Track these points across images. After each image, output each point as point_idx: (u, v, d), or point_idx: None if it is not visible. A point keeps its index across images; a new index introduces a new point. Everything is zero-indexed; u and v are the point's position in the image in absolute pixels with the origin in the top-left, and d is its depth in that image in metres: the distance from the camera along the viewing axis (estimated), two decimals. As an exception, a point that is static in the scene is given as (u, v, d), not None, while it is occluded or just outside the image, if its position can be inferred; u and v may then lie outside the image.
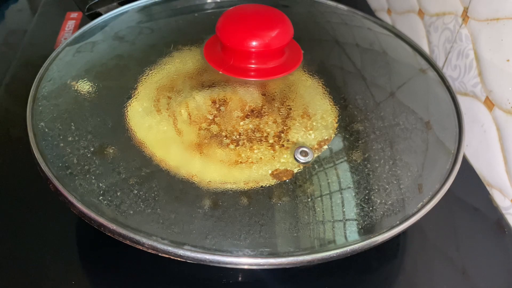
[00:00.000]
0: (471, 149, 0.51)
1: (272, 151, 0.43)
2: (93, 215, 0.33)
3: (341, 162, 0.43)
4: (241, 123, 0.45)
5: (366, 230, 0.37)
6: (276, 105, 0.48)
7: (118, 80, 0.51)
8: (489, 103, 0.47)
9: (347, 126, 0.47)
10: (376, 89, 0.52)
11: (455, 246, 0.42)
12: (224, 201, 0.39)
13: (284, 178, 0.40)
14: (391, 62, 0.54)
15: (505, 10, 0.44)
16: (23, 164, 0.46)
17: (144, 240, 0.32)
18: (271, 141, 0.44)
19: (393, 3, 0.68)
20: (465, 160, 0.51)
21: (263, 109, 0.47)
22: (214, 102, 0.46)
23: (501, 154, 0.46)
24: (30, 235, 0.41)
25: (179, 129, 0.45)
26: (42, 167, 0.37)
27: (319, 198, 0.40)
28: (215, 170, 0.41)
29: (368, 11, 0.76)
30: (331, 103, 0.49)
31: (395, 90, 0.53)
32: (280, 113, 0.47)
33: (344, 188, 0.41)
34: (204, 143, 0.43)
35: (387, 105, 0.50)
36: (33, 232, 0.41)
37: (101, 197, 0.36)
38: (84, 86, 0.49)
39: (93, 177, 0.40)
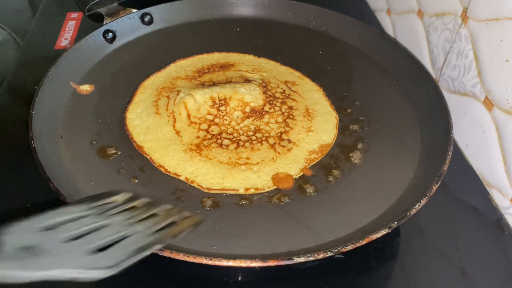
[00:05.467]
0: (470, 149, 0.51)
1: (273, 152, 0.43)
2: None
3: (342, 161, 0.44)
4: (241, 124, 0.45)
5: (364, 229, 0.37)
6: (277, 105, 0.48)
7: (119, 82, 0.51)
8: (489, 103, 0.47)
9: (347, 127, 0.47)
10: (374, 92, 0.52)
11: (455, 246, 0.42)
12: (224, 201, 0.39)
13: (286, 186, 0.40)
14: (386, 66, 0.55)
15: (504, 10, 0.44)
16: (23, 164, 0.46)
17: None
18: (271, 141, 0.44)
19: (392, 3, 0.68)
20: (464, 160, 0.51)
21: (264, 109, 0.47)
22: (214, 102, 0.46)
23: (501, 154, 0.46)
24: (31, 235, 0.41)
25: (177, 130, 0.45)
26: (43, 166, 0.37)
27: (320, 197, 0.40)
28: (215, 172, 0.41)
29: (368, 11, 0.76)
30: (331, 106, 0.49)
31: (394, 90, 0.53)
32: (282, 113, 0.47)
33: (344, 187, 0.41)
34: (204, 145, 0.43)
35: (385, 108, 0.50)
36: (33, 232, 0.41)
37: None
38: (85, 88, 0.49)
39: (93, 177, 0.40)
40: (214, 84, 0.50)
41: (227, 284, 0.38)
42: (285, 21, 0.62)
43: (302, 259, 0.32)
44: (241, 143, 0.44)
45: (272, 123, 0.46)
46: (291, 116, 0.47)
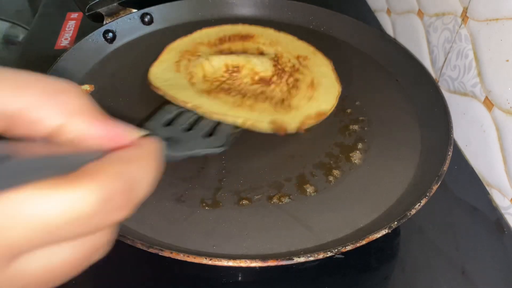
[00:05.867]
0: (470, 149, 0.51)
1: (273, 109, 0.47)
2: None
3: (342, 161, 0.44)
4: (249, 87, 0.49)
5: (364, 229, 0.37)
6: (284, 77, 0.51)
7: (119, 82, 0.51)
8: (489, 103, 0.47)
9: (347, 127, 0.47)
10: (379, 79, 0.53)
11: (455, 246, 0.42)
12: (224, 201, 0.39)
13: (279, 132, 0.44)
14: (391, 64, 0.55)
15: (504, 10, 0.44)
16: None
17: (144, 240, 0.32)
18: (274, 102, 0.48)
19: (392, 3, 0.68)
20: (464, 160, 0.51)
21: (272, 80, 0.50)
22: (228, 68, 0.51)
23: (501, 154, 0.46)
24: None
25: (192, 83, 0.49)
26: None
27: (320, 197, 0.40)
28: (220, 106, 0.45)
29: (368, 11, 0.76)
30: (337, 80, 0.51)
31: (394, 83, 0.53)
32: (287, 85, 0.49)
33: (344, 187, 0.41)
34: (213, 90, 0.48)
35: (385, 108, 0.50)
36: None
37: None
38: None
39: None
40: (231, 53, 0.54)
41: (227, 284, 0.38)
42: (285, 21, 0.62)
43: (302, 259, 0.32)
44: (247, 97, 0.48)
45: (276, 91, 0.48)
46: (295, 87, 0.49)
